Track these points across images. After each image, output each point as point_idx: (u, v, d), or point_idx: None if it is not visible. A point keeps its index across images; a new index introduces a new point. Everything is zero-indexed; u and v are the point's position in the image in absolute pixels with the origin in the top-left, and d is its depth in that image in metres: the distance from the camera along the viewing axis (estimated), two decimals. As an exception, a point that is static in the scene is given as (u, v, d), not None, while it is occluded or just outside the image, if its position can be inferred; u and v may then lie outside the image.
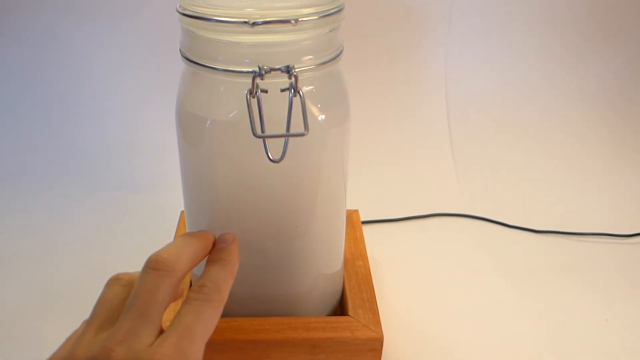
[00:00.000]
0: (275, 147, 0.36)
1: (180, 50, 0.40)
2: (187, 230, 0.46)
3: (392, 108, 0.81)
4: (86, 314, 0.32)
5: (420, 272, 0.59)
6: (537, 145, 0.81)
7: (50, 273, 0.58)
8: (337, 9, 0.39)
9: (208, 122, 0.39)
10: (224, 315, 0.45)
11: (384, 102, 0.81)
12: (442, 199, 0.71)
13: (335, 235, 0.46)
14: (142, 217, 0.66)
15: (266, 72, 0.35)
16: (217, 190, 0.41)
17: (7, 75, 0.79)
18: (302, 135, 0.35)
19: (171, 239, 0.55)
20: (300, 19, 0.36)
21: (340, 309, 0.50)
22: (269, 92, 0.36)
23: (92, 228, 0.65)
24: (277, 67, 0.36)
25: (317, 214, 0.43)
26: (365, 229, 0.61)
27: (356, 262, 0.52)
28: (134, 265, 0.59)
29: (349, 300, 0.48)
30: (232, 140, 0.39)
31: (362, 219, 0.61)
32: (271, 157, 0.36)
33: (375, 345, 0.44)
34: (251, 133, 0.35)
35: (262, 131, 0.35)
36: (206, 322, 0.32)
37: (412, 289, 0.56)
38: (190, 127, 0.40)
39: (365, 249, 0.54)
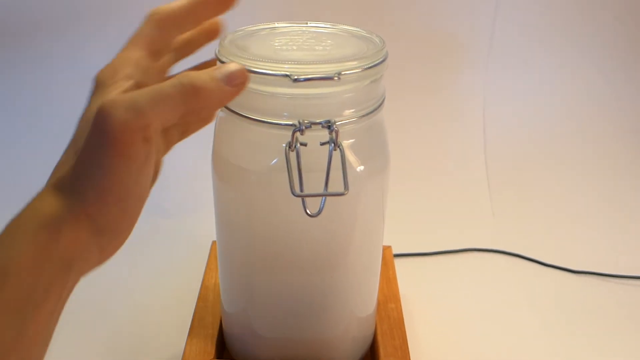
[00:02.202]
0: (313, 199, 0.35)
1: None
2: (219, 265, 0.45)
3: (428, 139, 0.80)
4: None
5: (453, 312, 0.58)
6: (578, 180, 0.79)
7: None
8: (380, 60, 0.38)
9: (245, 172, 0.38)
10: (253, 357, 0.46)
11: (420, 133, 0.80)
12: (476, 234, 0.69)
13: (370, 278, 0.45)
14: (171, 243, 0.66)
15: (306, 127, 0.35)
16: (251, 235, 0.41)
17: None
18: (341, 194, 0.34)
19: (202, 269, 0.55)
20: (342, 73, 0.35)
21: (371, 354, 0.49)
22: (308, 144, 0.36)
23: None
24: (317, 121, 0.35)
25: (353, 259, 0.42)
26: (398, 262, 0.60)
27: (389, 304, 0.51)
28: (163, 293, 0.61)
29: (381, 347, 0.47)
30: (269, 191, 0.38)
31: (395, 252, 0.60)
32: (309, 212, 0.35)
33: (406, 398, 0.43)
34: (290, 191, 0.34)
35: (301, 189, 0.35)
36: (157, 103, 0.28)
37: (445, 330, 0.55)
38: (226, 173, 0.40)
39: (398, 289, 0.53)
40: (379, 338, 0.48)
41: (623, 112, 0.83)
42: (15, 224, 0.28)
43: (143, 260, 0.63)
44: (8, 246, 0.27)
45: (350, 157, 0.38)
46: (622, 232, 0.72)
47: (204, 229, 0.60)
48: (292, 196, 0.35)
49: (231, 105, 0.38)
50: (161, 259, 0.64)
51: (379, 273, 0.47)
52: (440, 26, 0.80)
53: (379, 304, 0.51)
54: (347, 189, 0.34)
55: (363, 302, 0.46)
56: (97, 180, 0.28)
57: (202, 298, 0.51)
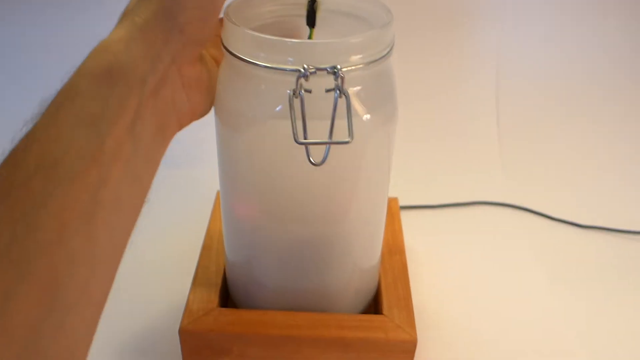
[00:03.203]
0: (317, 147, 0.34)
1: (221, 39, 0.38)
2: (222, 215, 0.45)
3: (437, 90, 0.78)
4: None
5: (459, 266, 0.57)
6: (589, 135, 0.77)
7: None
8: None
9: (248, 118, 0.37)
10: (256, 307, 0.46)
11: (430, 84, 0.78)
12: (485, 187, 0.68)
13: (374, 230, 0.45)
14: (177, 193, 0.66)
15: (311, 74, 0.34)
16: (254, 183, 0.40)
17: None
18: (345, 143, 0.33)
19: (207, 218, 0.55)
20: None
21: (375, 305, 0.49)
22: (312, 91, 0.35)
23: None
24: (322, 67, 0.34)
25: (357, 210, 0.41)
26: (404, 214, 0.59)
27: (393, 256, 0.51)
28: (167, 243, 0.60)
29: (384, 298, 0.47)
30: (272, 139, 0.37)
31: (401, 203, 0.59)
32: (313, 161, 0.35)
33: (408, 348, 0.43)
34: (292, 138, 0.33)
35: (305, 137, 0.34)
36: None
37: (450, 284, 0.55)
38: (229, 121, 0.39)
39: (403, 241, 0.53)
40: (383, 289, 0.47)
41: (638, 68, 0.80)
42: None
43: (146, 211, 0.63)
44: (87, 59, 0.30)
45: (356, 105, 0.37)
46: (631, 187, 0.71)
47: (209, 178, 0.60)
48: (296, 144, 0.34)
49: (235, 50, 0.36)
50: (165, 209, 0.63)
51: (384, 225, 0.46)
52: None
53: (383, 255, 0.50)
54: (352, 137, 0.33)
55: (366, 254, 0.45)
56: None
57: (206, 247, 0.51)
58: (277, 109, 0.36)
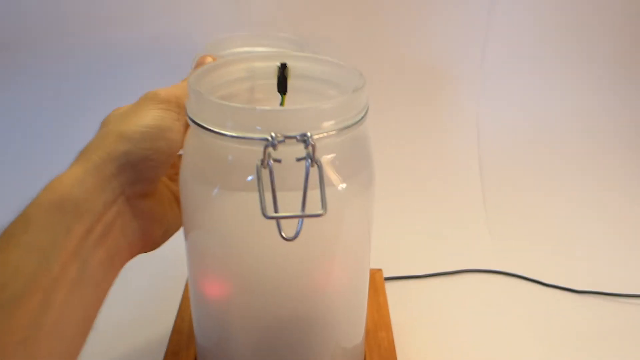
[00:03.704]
0: (289, 221, 0.32)
1: (186, 110, 0.36)
2: (190, 294, 0.42)
3: (419, 154, 0.77)
4: None
5: (450, 340, 0.54)
6: (578, 197, 0.76)
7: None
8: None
9: (214, 192, 0.35)
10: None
11: (410, 148, 0.77)
12: (472, 254, 0.66)
13: (356, 305, 0.41)
14: (145, 273, 0.62)
15: (279, 142, 0.31)
16: (223, 260, 0.37)
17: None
18: (318, 216, 0.31)
19: (178, 301, 0.51)
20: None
21: (360, 390, 0.45)
22: (282, 161, 0.32)
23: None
24: (291, 134, 0.32)
25: (337, 285, 0.38)
26: (389, 286, 0.56)
27: (379, 333, 0.48)
28: (135, 329, 0.55)
29: (371, 381, 0.43)
30: (241, 213, 0.35)
31: (385, 275, 0.56)
32: (285, 236, 0.32)
33: None
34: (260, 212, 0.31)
35: (275, 210, 0.31)
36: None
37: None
38: (196, 193, 0.36)
39: (389, 316, 0.50)
40: (369, 371, 0.44)
41: (622, 124, 0.80)
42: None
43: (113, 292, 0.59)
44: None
45: (331, 173, 0.34)
46: (625, 249, 0.68)
47: (180, 257, 0.57)
48: (266, 220, 0.31)
49: (199, 119, 0.34)
50: (133, 290, 0.59)
51: (367, 299, 0.43)
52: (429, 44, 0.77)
53: (368, 332, 0.47)
54: (325, 210, 0.31)
55: (349, 332, 0.42)
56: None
57: (176, 331, 0.47)
58: (247, 179, 0.34)
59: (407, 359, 0.49)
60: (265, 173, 0.32)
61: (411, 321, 0.55)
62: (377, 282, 0.53)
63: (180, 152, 0.40)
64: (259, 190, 0.31)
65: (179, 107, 0.38)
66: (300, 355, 0.40)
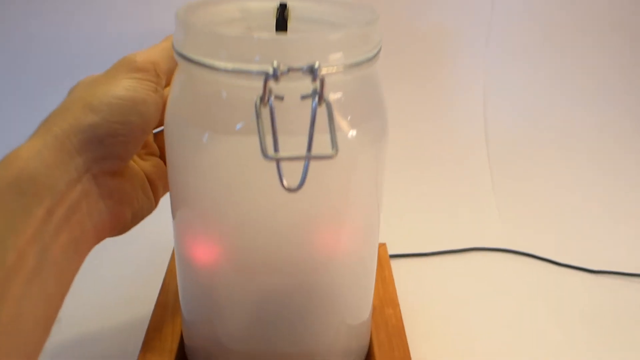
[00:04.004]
0: (292, 170, 0.27)
1: (173, 45, 0.31)
2: (177, 263, 0.37)
3: (425, 130, 0.73)
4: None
5: (460, 319, 0.50)
6: (591, 170, 0.71)
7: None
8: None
9: (205, 137, 0.30)
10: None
11: (416, 123, 0.73)
12: (480, 232, 0.61)
13: (365, 276, 0.37)
14: (127, 248, 0.57)
15: (283, 73, 0.27)
16: (214, 218, 0.32)
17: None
18: (329, 157, 0.26)
19: (162, 275, 0.46)
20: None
21: (366, 370, 0.41)
22: (285, 99, 0.28)
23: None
24: (297, 66, 0.27)
25: (345, 251, 0.34)
26: (394, 264, 0.52)
27: (385, 309, 0.43)
28: (113, 301, 0.51)
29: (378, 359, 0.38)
30: (236, 161, 0.30)
31: (390, 252, 0.52)
32: (286, 185, 0.27)
33: None
34: (260, 153, 0.26)
35: (276, 150, 0.27)
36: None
37: (452, 340, 0.47)
38: (183, 141, 0.31)
39: (396, 292, 0.45)
40: (375, 350, 0.39)
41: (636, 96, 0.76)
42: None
43: (94, 270, 0.55)
44: None
45: (339, 118, 0.30)
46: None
47: (165, 230, 0.52)
48: (266, 165, 0.27)
49: (189, 51, 0.30)
50: (115, 266, 0.55)
51: (375, 271, 0.39)
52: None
53: (374, 309, 0.42)
54: (337, 150, 0.26)
55: (356, 307, 0.37)
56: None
57: (160, 305, 0.42)
58: (240, 125, 0.29)
59: (416, 337, 0.44)
60: (265, 113, 0.27)
61: (418, 299, 0.50)
62: (382, 256, 0.49)
63: (159, 129, 0.37)
64: (259, 129, 0.26)
65: (157, 76, 0.33)
66: (300, 333, 0.36)
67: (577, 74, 0.77)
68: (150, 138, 0.40)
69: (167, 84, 0.35)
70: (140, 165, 0.37)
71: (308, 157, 0.26)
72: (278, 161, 0.26)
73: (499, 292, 0.53)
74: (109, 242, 0.56)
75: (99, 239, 0.33)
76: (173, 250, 0.49)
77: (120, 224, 0.34)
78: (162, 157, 0.39)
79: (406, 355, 0.39)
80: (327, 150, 0.26)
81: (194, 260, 0.34)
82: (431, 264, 0.57)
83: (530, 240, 0.60)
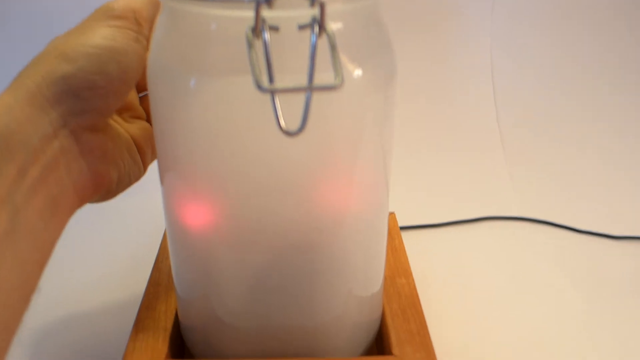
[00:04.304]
0: (291, 113, 0.24)
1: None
2: (168, 237, 0.34)
3: (432, 96, 0.69)
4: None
5: (476, 291, 0.46)
6: (606, 135, 0.68)
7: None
8: None
9: (192, 82, 0.27)
10: (220, 355, 0.34)
11: (423, 87, 0.69)
12: (492, 200, 0.58)
13: (375, 243, 0.33)
14: (118, 226, 0.54)
15: (276, -3, 0.23)
16: (207, 178, 0.29)
17: None
18: (333, 88, 0.23)
19: (155, 251, 0.43)
20: None
21: (377, 345, 0.37)
22: (281, 31, 0.24)
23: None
24: (292, -11, 0.24)
25: (351, 212, 0.30)
26: (403, 236, 0.48)
27: (397, 279, 0.40)
28: (103, 282, 0.48)
29: (392, 332, 0.35)
30: (227, 107, 0.27)
31: (399, 224, 0.48)
32: (284, 127, 0.24)
33: (432, 399, 0.32)
34: (255, 88, 0.22)
35: (271, 82, 0.23)
36: None
37: (469, 314, 0.44)
38: (168, 90, 0.28)
39: (408, 261, 0.42)
40: (389, 321, 0.36)
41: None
42: None
43: (83, 249, 0.51)
44: None
45: (341, 54, 0.26)
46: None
47: (157, 206, 0.49)
48: (260, 111, 0.23)
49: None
50: (105, 246, 0.51)
51: (386, 236, 0.35)
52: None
53: (385, 279, 0.39)
54: (342, 79, 0.23)
55: (367, 276, 0.34)
56: None
57: (153, 283, 0.39)
58: (230, 64, 0.26)
59: (431, 309, 0.41)
60: (258, 47, 0.24)
61: (430, 272, 0.47)
62: (391, 225, 0.46)
63: (144, 93, 0.35)
64: (250, 61, 0.23)
65: (138, 24, 0.30)
66: (305, 305, 0.32)
67: (591, 33, 0.74)
68: (136, 101, 0.36)
69: (149, 34, 0.32)
70: (126, 127, 0.34)
71: (309, 89, 0.23)
72: (273, 94, 0.23)
73: (516, 262, 0.50)
74: (99, 219, 0.53)
75: (81, 200, 0.30)
76: (165, 229, 0.46)
77: (105, 185, 0.31)
78: (149, 121, 0.36)
79: (423, 326, 0.35)
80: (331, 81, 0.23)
81: (186, 228, 0.31)
82: (442, 235, 0.53)
83: (546, 207, 0.57)
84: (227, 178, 0.28)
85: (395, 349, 0.34)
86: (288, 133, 0.24)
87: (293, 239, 0.30)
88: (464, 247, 0.52)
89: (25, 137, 0.26)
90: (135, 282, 0.43)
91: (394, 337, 0.34)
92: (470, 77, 0.71)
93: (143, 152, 0.35)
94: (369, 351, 0.36)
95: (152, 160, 0.36)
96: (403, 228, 0.51)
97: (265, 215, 0.29)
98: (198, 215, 0.30)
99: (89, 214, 0.56)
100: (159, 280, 0.39)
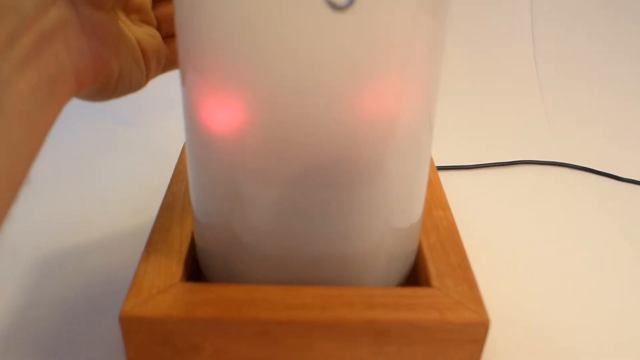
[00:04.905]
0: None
1: None
2: (187, 160, 0.30)
3: (467, 37, 0.65)
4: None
5: (517, 232, 0.43)
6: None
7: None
8: None
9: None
10: (243, 280, 0.30)
11: (464, 33, 0.65)
12: (529, 143, 0.54)
13: (418, 162, 0.30)
14: (132, 157, 0.51)
15: None
16: (232, 70, 0.25)
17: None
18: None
19: (169, 175, 0.40)
20: None
21: (414, 279, 0.34)
22: None
23: (77, 163, 0.50)
24: None
25: (396, 121, 0.26)
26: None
27: (434, 211, 0.36)
28: (118, 211, 0.46)
29: (431, 264, 0.32)
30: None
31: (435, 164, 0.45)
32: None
33: (476, 334, 0.28)
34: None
35: None
36: None
37: (509, 255, 0.41)
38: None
39: (445, 195, 0.38)
40: (427, 254, 0.32)
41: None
42: None
43: (98, 180, 0.48)
44: None
45: None
46: None
47: (172, 139, 0.46)
48: None
49: None
50: (120, 176, 0.48)
51: (429, 161, 0.31)
52: None
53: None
54: None
55: (408, 203, 0.30)
56: None
57: (166, 207, 0.36)
58: None
59: (471, 242, 0.37)
60: None
61: (466, 211, 0.44)
62: (425, 159, 0.42)
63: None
64: None
65: None
66: (339, 235, 0.29)
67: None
68: (148, 4, 0.33)
69: None
70: (133, 30, 0.31)
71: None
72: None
73: (556, 208, 0.46)
74: (108, 151, 0.50)
75: (79, 85, 0.26)
76: (179, 157, 0.42)
77: (105, 74, 0.27)
78: (160, 30, 0.33)
79: (464, 259, 0.32)
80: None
81: (209, 134, 0.27)
82: (477, 177, 0.50)
83: (585, 152, 0.53)
84: (256, 71, 0.24)
85: (435, 282, 0.30)
86: (335, 6, 0.20)
87: (329, 150, 0.26)
88: (500, 190, 0.48)
89: (17, 1, 0.22)
90: (147, 209, 0.40)
91: (433, 270, 0.31)
92: (509, 21, 0.67)
93: (148, 60, 0.31)
94: (403, 284, 0.33)
95: (156, 73, 0.32)
96: (438, 168, 0.47)
97: (299, 118, 0.25)
98: (223, 117, 0.26)
99: (102, 143, 0.53)
100: (173, 204, 0.36)
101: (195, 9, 0.25)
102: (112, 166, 0.50)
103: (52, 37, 0.23)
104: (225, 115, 0.26)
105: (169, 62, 0.34)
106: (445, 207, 0.37)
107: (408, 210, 0.31)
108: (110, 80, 0.28)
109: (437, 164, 0.47)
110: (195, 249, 0.33)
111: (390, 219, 0.30)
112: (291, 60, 0.24)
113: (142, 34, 0.31)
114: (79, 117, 0.56)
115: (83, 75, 0.26)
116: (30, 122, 0.22)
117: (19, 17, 0.22)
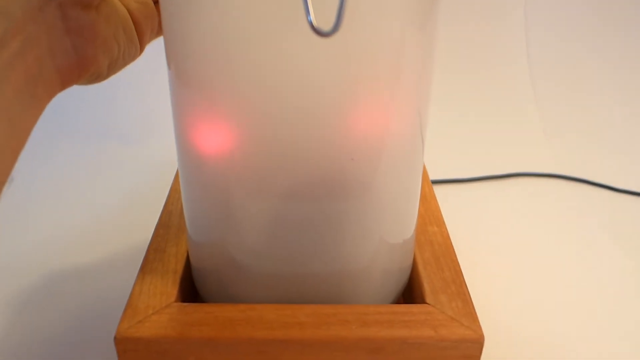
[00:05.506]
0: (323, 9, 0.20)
1: None
2: (180, 177, 0.30)
3: (462, 46, 0.65)
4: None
5: (512, 245, 0.43)
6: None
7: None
8: None
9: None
10: (236, 300, 0.31)
11: (455, 40, 0.65)
12: (525, 156, 0.54)
13: (410, 178, 0.30)
14: (130, 173, 0.51)
15: None
16: (223, 91, 0.25)
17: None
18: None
19: (164, 197, 0.40)
20: None
21: (408, 294, 0.34)
22: None
23: (73, 181, 0.50)
24: None
25: (387, 138, 0.27)
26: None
27: (428, 227, 0.37)
28: (113, 227, 0.47)
29: (425, 281, 0.32)
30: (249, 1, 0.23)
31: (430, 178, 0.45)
32: (316, 25, 0.20)
33: (471, 350, 0.29)
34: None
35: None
36: None
37: (503, 269, 0.41)
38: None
39: (439, 209, 0.39)
40: (421, 269, 0.33)
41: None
42: None
43: (93, 198, 0.48)
44: None
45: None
46: None
47: (166, 153, 0.46)
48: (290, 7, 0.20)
49: None
50: (117, 192, 0.49)
51: (421, 175, 0.32)
52: None
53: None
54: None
55: (401, 219, 0.31)
56: None
57: (162, 225, 0.36)
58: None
59: (467, 256, 0.37)
60: None
61: (461, 224, 0.44)
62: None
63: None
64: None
65: None
66: (332, 250, 0.29)
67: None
68: None
69: None
70: (125, 1, 0.31)
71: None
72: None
73: (552, 220, 0.47)
74: (104, 168, 0.50)
75: (63, 84, 0.26)
76: (174, 175, 0.42)
77: (92, 70, 0.28)
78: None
79: (458, 275, 0.32)
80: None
81: (200, 153, 0.28)
82: (472, 190, 0.50)
83: (582, 164, 0.53)
84: (246, 91, 0.25)
85: (429, 298, 0.30)
86: (320, 33, 0.21)
87: (322, 168, 0.26)
88: (495, 203, 0.48)
89: (6, 6, 0.23)
90: (143, 227, 0.40)
91: (427, 286, 0.31)
92: (504, 33, 0.67)
93: (141, 31, 0.31)
94: (398, 301, 0.33)
95: (150, 39, 0.32)
96: (433, 182, 0.48)
97: (290, 137, 0.25)
98: (214, 137, 0.27)
99: (100, 156, 0.53)
100: (169, 223, 0.36)
101: (185, 34, 0.25)
102: (108, 184, 0.50)
103: (36, 41, 0.23)
104: (216, 136, 0.27)
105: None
106: (439, 223, 0.37)
107: (401, 226, 0.31)
108: (100, 72, 0.28)
109: (433, 177, 0.47)
110: (191, 269, 0.33)
111: (384, 235, 0.30)
112: (281, 84, 0.24)
113: (134, 3, 0.31)
114: (75, 133, 0.56)
115: (67, 74, 0.26)
116: (13, 123, 0.23)
117: (8, 22, 0.22)
